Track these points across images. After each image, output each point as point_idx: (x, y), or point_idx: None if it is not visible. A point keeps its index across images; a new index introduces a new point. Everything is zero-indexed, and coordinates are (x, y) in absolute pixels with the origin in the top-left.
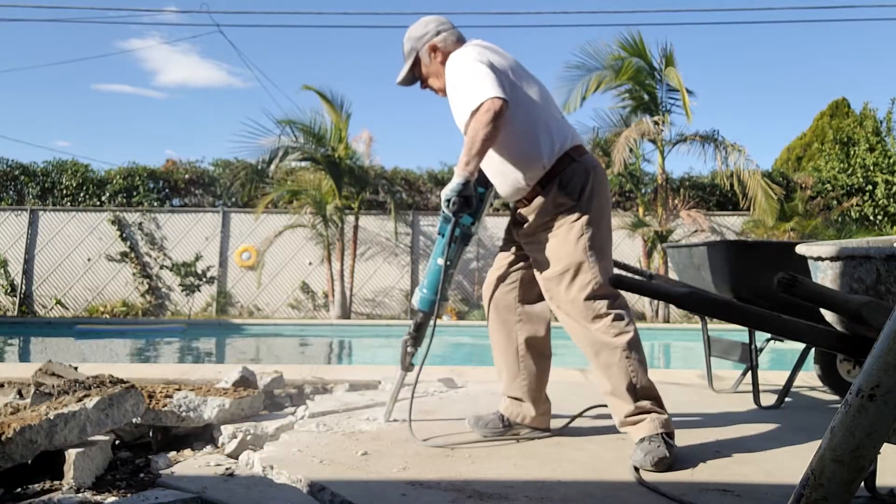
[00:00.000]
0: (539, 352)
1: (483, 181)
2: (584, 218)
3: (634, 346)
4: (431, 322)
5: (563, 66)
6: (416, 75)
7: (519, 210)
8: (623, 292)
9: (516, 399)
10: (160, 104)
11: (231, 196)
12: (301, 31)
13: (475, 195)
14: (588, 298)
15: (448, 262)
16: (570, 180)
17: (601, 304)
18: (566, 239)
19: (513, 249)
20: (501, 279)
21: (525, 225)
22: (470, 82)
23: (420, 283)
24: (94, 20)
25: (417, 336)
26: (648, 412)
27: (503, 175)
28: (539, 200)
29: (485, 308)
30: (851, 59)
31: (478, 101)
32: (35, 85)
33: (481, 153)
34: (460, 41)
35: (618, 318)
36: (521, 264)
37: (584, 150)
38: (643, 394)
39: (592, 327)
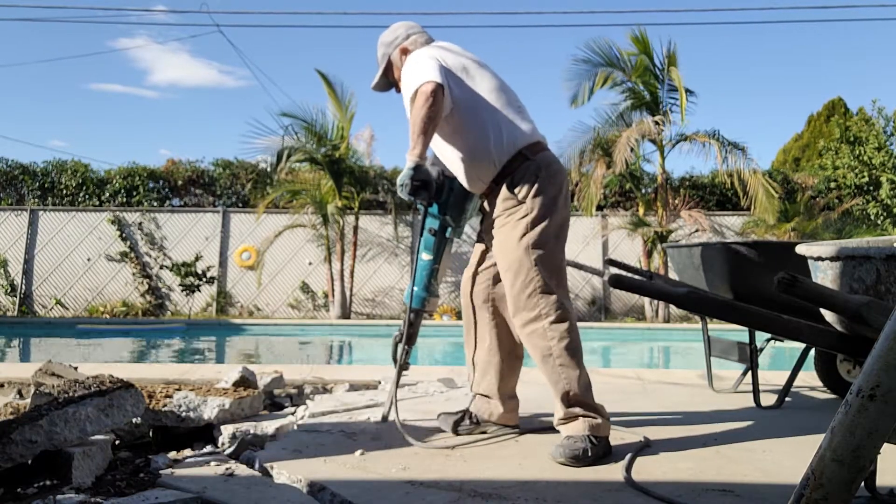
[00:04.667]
0: (510, 351)
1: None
2: (529, 217)
3: (570, 352)
4: (403, 320)
5: (571, 60)
6: (389, 80)
7: (483, 204)
8: (620, 291)
9: (485, 396)
10: (153, 103)
11: (232, 196)
12: (299, 30)
13: (434, 180)
14: (528, 298)
15: (431, 257)
16: (520, 179)
17: (540, 307)
18: (510, 237)
19: (485, 246)
20: (476, 275)
21: (484, 220)
22: (412, 74)
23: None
24: (86, 20)
25: (410, 333)
26: (579, 416)
27: (460, 172)
28: (494, 197)
29: (462, 304)
30: (841, 61)
31: (414, 87)
32: (29, 84)
33: (424, 134)
34: (429, 43)
35: (557, 321)
36: (494, 261)
37: (540, 148)
38: (574, 401)
39: (529, 328)
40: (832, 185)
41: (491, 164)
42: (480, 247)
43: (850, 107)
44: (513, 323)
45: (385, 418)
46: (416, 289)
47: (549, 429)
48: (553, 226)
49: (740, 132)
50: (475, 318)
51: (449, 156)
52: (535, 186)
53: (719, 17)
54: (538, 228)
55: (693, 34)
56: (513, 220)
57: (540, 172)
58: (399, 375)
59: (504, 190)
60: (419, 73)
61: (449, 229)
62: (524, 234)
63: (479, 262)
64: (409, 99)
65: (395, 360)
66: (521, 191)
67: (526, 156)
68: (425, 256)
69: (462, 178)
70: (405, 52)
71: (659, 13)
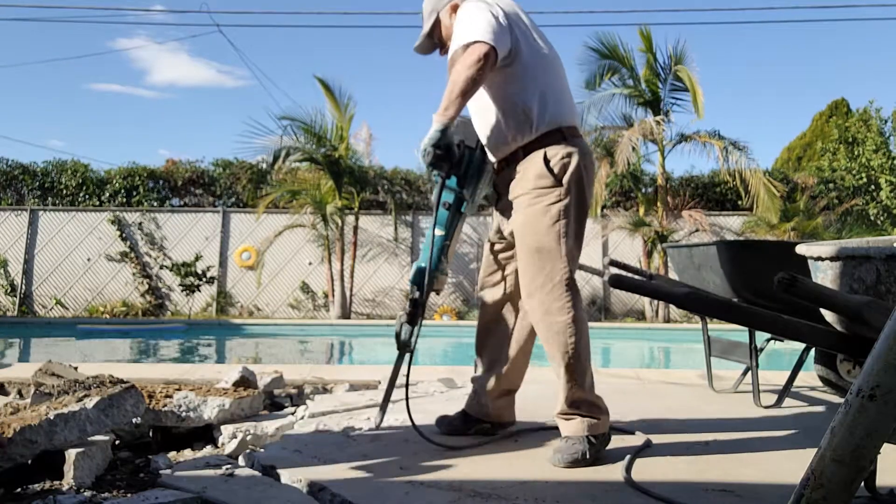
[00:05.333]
0: (523, 350)
1: (480, 147)
2: (563, 203)
3: (583, 352)
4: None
5: (583, 46)
6: (435, 40)
7: (498, 178)
8: (620, 291)
9: (482, 396)
10: (151, 103)
11: (231, 196)
12: (299, 30)
13: (457, 150)
14: (550, 290)
15: (443, 232)
16: (554, 157)
17: (564, 300)
18: (541, 220)
19: (503, 242)
20: (493, 273)
21: (507, 194)
22: (465, 26)
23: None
24: (85, 19)
25: (413, 313)
26: (579, 415)
27: (491, 126)
28: (521, 168)
29: (482, 304)
30: (850, 59)
31: (464, 42)
32: (28, 84)
33: (463, 97)
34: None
35: (578, 319)
36: (512, 257)
37: (578, 133)
38: (579, 400)
39: (549, 320)
40: (830, 185)
41: (527, 129)
42: (497, 243)
43: (854, 107)
44: (530, 310)
45: (378, 426)
46: (424, 266)
47: (549, 428)
48: (582, 217)
49: (746, 130)
50: (503, 320)
51: (486, 112)
52: (574, 171)
53: (719, 16)
54: (571, 217)
55: (695, 33)
56: (544, 202)
57: (579, 158)
58: (401, 358)
59: (540, 166)
60: (475, 27)
61: (465, 204)
62: (556, 221)
63: (498, 260)
64: (454, 52)
65: (397, 339)
66: (558, 169)
67: (564, 135)
68: (438, 232)
69: (491, 134)
70: (456, 9)
71: (659, 13)
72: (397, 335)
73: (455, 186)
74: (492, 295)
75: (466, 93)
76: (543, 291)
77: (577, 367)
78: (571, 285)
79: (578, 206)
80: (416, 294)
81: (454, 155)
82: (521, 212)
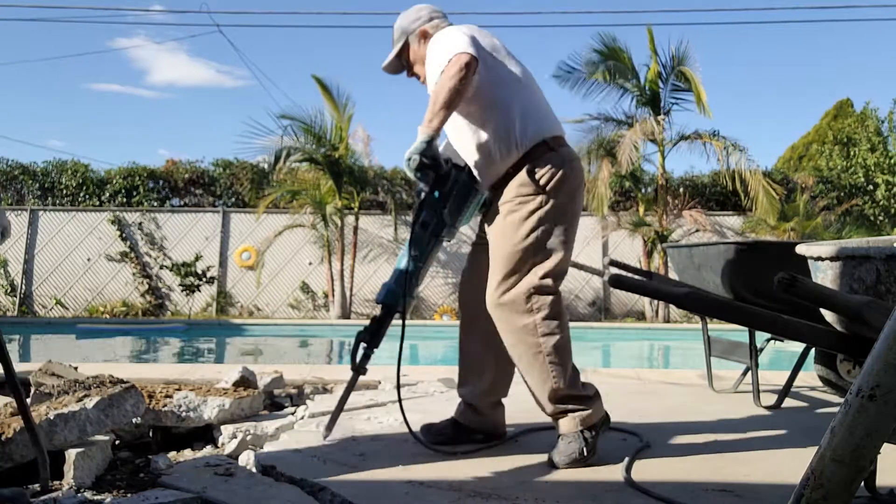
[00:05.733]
0: (507, 358)
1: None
2: (544, 210)
3: (560, 349)
4: (395, 323)
5: (588, 48)
6: (402, 62)
7: (494, 196)
8: (620, 292)
9: (472, 405)
10: (151, 103)
11: (232, 196)
12: (299, 30)
13: (445, 165)
14: (525, 292)
15: (417, 253)
16: (542, 167)
17: (532, 303)
18: (520, 226)
19: (484, 247)
20: (474, 278)
21: (489, 211)
22: (443, 46)
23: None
24: (84, 19)
25: (376, 333)
26: (569, 411)
27: (478, 153)
28: (504, 185)
29: (465, 306)
30: (851, 59)
31: (447, 58)
32: (27, 83)
33: (447, 108)
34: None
35: (550, 317)
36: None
37: (563, 142)
38: (564, 396)
39: (520, 322)
40: (829, 185)
41: (513, 149)
42: (479, 248)
43: (858, 107)
44: (498, 317)
45: (325, 438)
46: (394, 287)
47: (549, 428)
48: (570, 223)
49: (747, 130)
50: (483, 323)
51: (468, 138)
52: (557, 178)
53: (720, 17)
54: (554, 224)
55: (696, 33)
56: (524, 210)
57: (564, 165)
58: (354, 379)
59: (523, 175)
60: (452, 44)
61: (444, 227)
62: (536, 227)
63: (479, 265)
64: (434, 71)
65: (352, 360)
66: (542, 179)
67: (549, 146)
68: (412, 253)
69: (479, 161)
70: (425, 35)
71: (659, 13)
72: (353, 356)
73: (436, 204)
74: (470, 297)
75: (450, 103)
76: (514, 295)
77: (555, 366)
78: (545, 292)
79: (565, 213)
80: (382, 314)
81: (440, 166)
82: (501, 218)
